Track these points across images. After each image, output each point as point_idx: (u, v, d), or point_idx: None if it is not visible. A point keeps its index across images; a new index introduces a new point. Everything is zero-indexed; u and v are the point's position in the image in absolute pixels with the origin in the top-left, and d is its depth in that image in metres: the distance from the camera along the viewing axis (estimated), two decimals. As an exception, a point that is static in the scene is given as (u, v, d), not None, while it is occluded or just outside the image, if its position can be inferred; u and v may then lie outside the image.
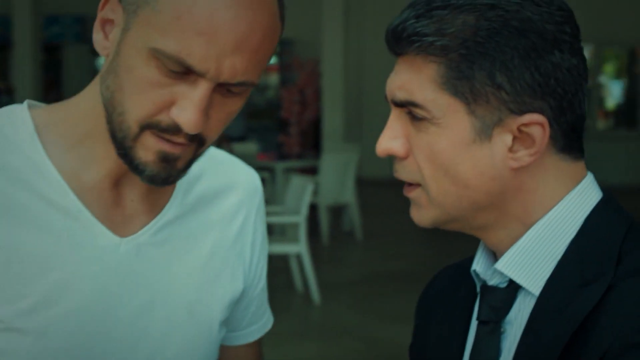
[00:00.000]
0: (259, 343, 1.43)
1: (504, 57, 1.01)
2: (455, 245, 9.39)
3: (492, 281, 1.10)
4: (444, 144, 1.04)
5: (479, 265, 1.14)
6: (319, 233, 9.55)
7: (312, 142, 12.52)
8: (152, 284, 1.20)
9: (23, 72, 11.25)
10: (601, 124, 15.29)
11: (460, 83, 1.02)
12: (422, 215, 1.12)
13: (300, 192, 7.29)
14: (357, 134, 14.78)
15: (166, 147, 1.09)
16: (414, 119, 1.06)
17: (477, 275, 1.14)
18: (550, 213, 1.07)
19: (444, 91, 1.03)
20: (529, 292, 1.07)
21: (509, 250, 1.07)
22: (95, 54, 15.31)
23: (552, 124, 1.03)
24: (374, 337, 6.42)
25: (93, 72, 15.47)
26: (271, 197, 10.08)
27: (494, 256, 1.13)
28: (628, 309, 0.97)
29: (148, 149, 1.09)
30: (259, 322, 1.40)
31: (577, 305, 1.00)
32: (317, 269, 7.78)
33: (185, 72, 1.04)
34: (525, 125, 1.03)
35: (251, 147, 11.36)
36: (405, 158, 1.09)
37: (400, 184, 1.12)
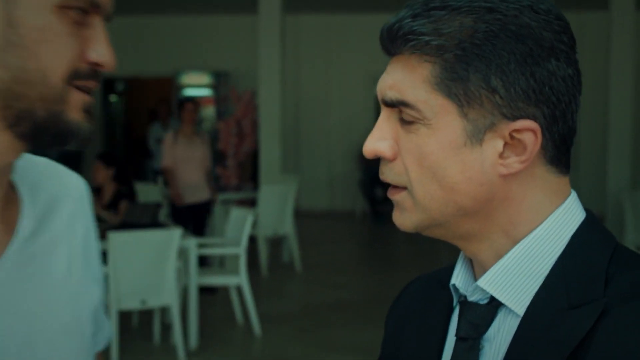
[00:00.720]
0: (106, 353, 1.38)
1: (500, 61, 1.00)
2: (395, 276, 9.47)
3: (473, 297, 1.08)
4: (434, 146, 1.03)
5: (458, 279, 1.12)
6: (258, 265, 9.52)
7: (250, 174, 12.49)
8: (25, 310, 1.14)
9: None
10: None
11: (454, 84, 1.01)
12: (405, 219, 1.09)
13: (240, 223, 7.27)
14: (294, 165, 14.81)
15: (87, 98, 1.10)
16: (404, 120, 1.05)
17: (457, 289, 1.12)
18: (537, 229, 1.04)
19: (437, 92, 1.02)
20: (510, 311, 1.05)
21: (493, 267, 1.06)
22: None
23: (544, 133, 1.02)
24: (316, 368, 6.40)
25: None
26: (210, 229, 10.02)
27: (473, 270, 1.12)
28: (625, 337, 0.95)
29: (76, 106, 1.09)
30: (105, 328, 1.34)
31: (567, 329, 0.98)
32: (257, 301, 7.75)
33: (84, 15, 1.09)
34: (518, 131, 1.01)
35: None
36: (392, 160, 1.07)
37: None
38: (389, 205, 1.12)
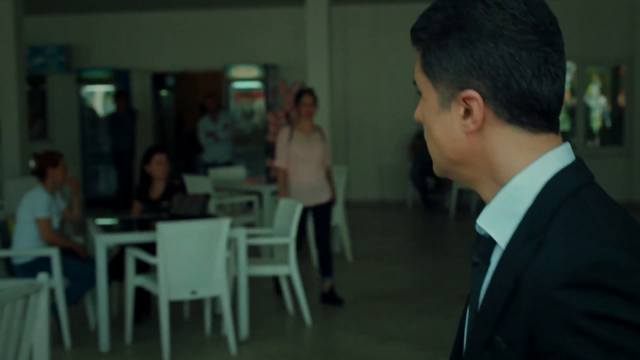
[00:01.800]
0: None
1: (447, 47, 1.31)
2: (447, 265, 9.42)
3: (482, 232, 1.36)
4: (426, 112, 1.39)
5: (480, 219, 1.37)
6: (310, 255, 9.52)
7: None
8: None
9: (9, 103, 11.20)
10: (588, 142, 15.33)
11: (427, 67, 1.35)
12: (433, 167, 1.44)
13: (289, 213, 7.27)
14: (344, 157, 14.78)
15: None
16: (419, 93, 1.41)
17: (479, 226, 1.37)
18: (515, 178, 1.30)
19: (422, 73, 1.38)
20: (498, 244, 1.31)
21: (486, 208, 1.34)
22: (80, 83, 15.29)
23: (489, 99, 1.30)
24: (367, 357, 6.38)
25: (79, 101, 15.46)
26: (259, 220, 10.05)
27: None
28: (548, 267, 1.16)
29: None
30: None
31: (517, 260, 1.23)
32: (309, 291, 7.75)
33: None
34: (468, 99, 1.30)
35: (238, 172, 11.34)
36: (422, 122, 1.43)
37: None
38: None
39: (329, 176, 7.96)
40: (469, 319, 1.39)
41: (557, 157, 1.31)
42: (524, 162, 1.30)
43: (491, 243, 1.32)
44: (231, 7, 15.17)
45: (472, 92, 1.30)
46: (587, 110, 15.52)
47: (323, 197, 7.78)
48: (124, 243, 6.75)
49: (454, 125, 1.33)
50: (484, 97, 1.29)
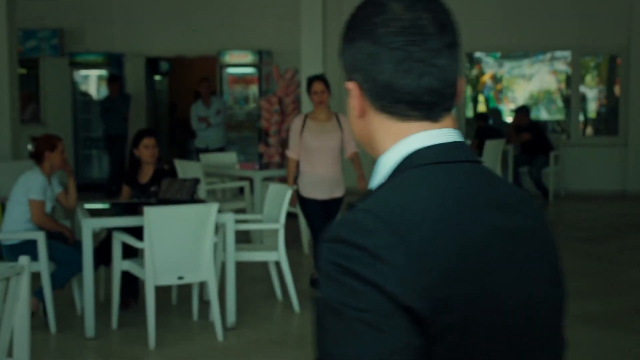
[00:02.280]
0: None
1: (344, 44, 1.52)
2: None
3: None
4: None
5: None
6: (300, 242, 9.46)
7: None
8: None
9: (0, 86, 11.13)
10: (583, 131, 15.27)
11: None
12: None
13: (279, 199, 7.21)
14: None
15: None
16: None
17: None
18: (381, 157, 1.50)
19: None
20: None
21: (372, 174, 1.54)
22: (74, 67, 15.20)
23: (364, 91, 1.49)
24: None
25: (72, 85, 15.36)
26: (250, 206, 9.99)
27: None
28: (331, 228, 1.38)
29: None
30: None
31: None
32: (298, 278, 7.70)
33: None
34: (347, 89, 1.52)
35: (230, 157, 11.27)
36: None
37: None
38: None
39: (355, 163, 7.56)
40: None
41: (416, 140, 1.46)
42: (389, 144, 1.49)
43: None
44: (226, -8, 15.05)
45: (349, 84, 1.52)
46: (584, 99, 15.47)
47: (338, 192, 7.33)
48: (111, 227, 6.69)
49: (352, 111, 1.53)
50: (361, 89, 1.49)
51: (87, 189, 14.97)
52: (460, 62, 1.56)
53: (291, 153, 7.33)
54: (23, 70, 15.65)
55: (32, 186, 6.70)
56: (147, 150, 7.31)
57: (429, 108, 1.47)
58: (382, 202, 1.38)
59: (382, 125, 1.49)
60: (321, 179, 7.23)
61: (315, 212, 7.18)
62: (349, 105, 1.55)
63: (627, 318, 6.96)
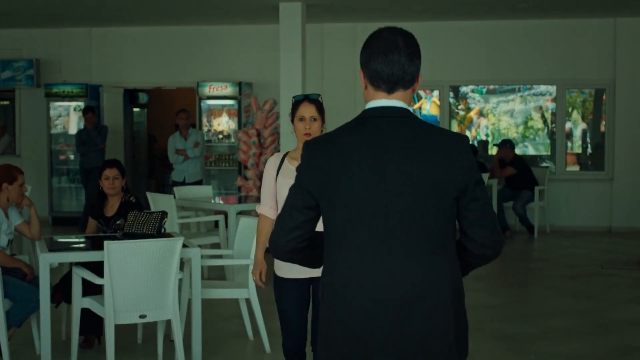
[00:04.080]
0: None
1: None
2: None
3: None
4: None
5: None
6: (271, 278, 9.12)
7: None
8: None
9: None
10: (569, 166, 15.05)
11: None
12: None
13: (250, 234, 6.89)
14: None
15: None
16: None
17: None
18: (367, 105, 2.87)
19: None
20: None
21: None
22: (50, 98, 14.90)
23: (365, 76, 2.83)
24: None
25: (48, 117, 15.05)
26: (225, 241, 9.66)
27: None
28: None
29: None
30: None
31: None
32: (269, 315, 7.35)
33: None
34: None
35: (206, 190, 10.95)
36: None
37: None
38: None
39: None
40: None
41: (375, 102, 2.83)
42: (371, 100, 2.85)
43: None
44: (205, 24, 14.83)
45: (361, 72, 2.88)
46: (570, 135, 15.27)
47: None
48: (69, 262, 6.36)
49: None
50: (364, 75, 2.86)
51: (62, 223, 14.65)
52: (418, 65, 2.85)
53: (263, 208, 4.88)
54: (-1, 101, 15.41)
55: (-16, 220, 6.37)
56: (107, 182, 7.02)
57: (393, 85, 2.81)
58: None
59: (370, 93, 2.85)
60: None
61: (290, 301, 4.75)
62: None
63: (613, 359, 6.65)
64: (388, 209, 2.66)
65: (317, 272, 3.92)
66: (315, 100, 4.83)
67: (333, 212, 2.74)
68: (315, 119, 4.80)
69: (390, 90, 2.76)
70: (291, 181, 3.87)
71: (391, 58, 2.74)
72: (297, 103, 4.82)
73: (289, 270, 4.65)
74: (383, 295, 2.66)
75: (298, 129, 4.79)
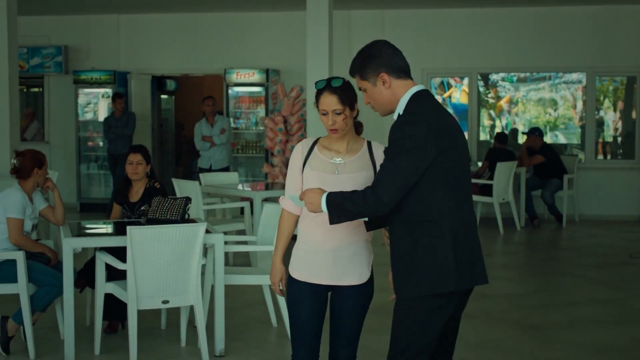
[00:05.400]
0: None
1: (367, 67, 3.84)
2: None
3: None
4: (369, 93, 3.88)
5: None
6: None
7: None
8: None
9: (0, 104, 10.86)
10: (599, 156, 14.88)
11: (365, 75, 3.87)
12: (380, 114, 3.95)
13: (274, 220, 6.86)
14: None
15: None
16: (360, 89, 4.04)
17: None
18: (402, 98, 3.75)
19: (363, 80, 3.88)
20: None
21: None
22: (78, 85, 14.97)
23: (389, 73, 3.74)
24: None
25: (76, 103, 15.12)
26: (250, 228, 9.65)
27: None
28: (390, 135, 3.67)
29: None
30: None
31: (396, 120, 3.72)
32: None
33: None
34: (382, 76, 3.78)
35: (232, 177, 10.94)
36: None
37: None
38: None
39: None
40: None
41: (415, 88, 3.74)
42: (404, 91, 3.74)
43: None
44: (232, 10, 14.81)
45: (382, 75, 3.75)
46: (602, 123, 15.11)
47: (353, 275, 4.18)
48: (93, 247, 6.37)
49: (381, 90, 3.75)
50: (389, 73, 3.73)
51: (90, 209, 14.72)
52: None
53: (286, 202, 4.24)
54: (25, 88, 15.48)
55: (10, 204, 6.39)
56: (130, 167, 7.05)
57: (410, 74, 3.78)
58: (414, 110, 3.66)
59: (399, 85, 3.73)
60: (326, 251, 4.11)
61: (305, 306, 4.16)
62: (375, 93, 3.79)
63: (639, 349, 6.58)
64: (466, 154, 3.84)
65: (337, 280, 4.10)
66: (337, 89, 4.03)
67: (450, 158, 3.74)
68: (339, 112, 4.02)
69: (410, 78, 3.78)
70: (320, 174, 4.00)
71: (400, 55, 3.76)
72: (318, 93, 4.09)
73: (305, 271, 4.12)
74: None
75: (323, 122, 4.10)
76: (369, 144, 4.18)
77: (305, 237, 4.14)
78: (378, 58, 3.70)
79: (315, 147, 4.14)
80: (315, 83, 4.11)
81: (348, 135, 4.10)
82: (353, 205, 3.60)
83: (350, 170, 4.06)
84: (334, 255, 4.09)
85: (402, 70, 3.71)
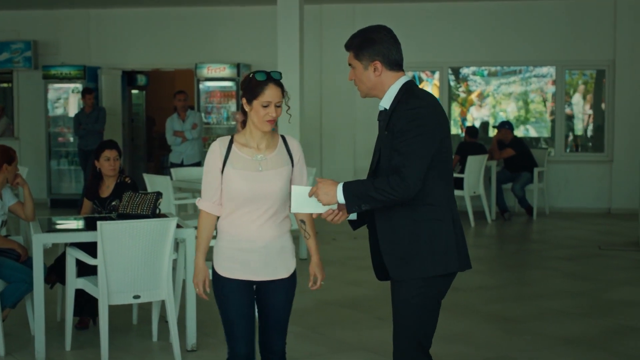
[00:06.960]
0: None
1: (365, 48, 3.89)
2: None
3: (381, 108, 3.89)
4: (357, 72, 3.91)
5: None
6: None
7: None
8: None
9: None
10: (568, 149, 15.00)
11: (359, 55, 3.90)
12: (360, 94, 4.02)
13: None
14: (317, 158, 14.40)
15: None
16: (350, 65, 4.03)
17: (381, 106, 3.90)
18: (390, 87, 3.85)
19: (355, 58, 3.92)
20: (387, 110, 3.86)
21: (383, 99, 3.87)
22: (48, 80, 14.86)
23: (383, 63, 3.83)
24: (321, 368, 5.99)
25: (46, 99, 15.01)
26: (221, 223, 9.63)
27: None
28: (403, 106, 3.73)
29: None
30: None
31: (384, 119, 3.85)
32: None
33: None
34: (374, 64, 3.87)
35: (199, 172, 10.89)
36: None
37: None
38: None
39: (308, 222, 4.29)
40: (377, 139, 3.90)
41: (404, 79, 3.86)
42: (393, 82, 3.84)
43: (386, 112, 3.82)
44: (203, 4, 14.78)
45: (375, 63, 3.82)
46: (572, 116, 15.22)
47: (281, 270, 4.25)
48: (63, 243, 6.34)
49: (370, 75, 3.83)
50: (382, 63, 3.81)
51: (61, 205, 14.64)
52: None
53: (204, 203, 4.24)
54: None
55: (-22, 200, 6.35)
56: (107, 163, 7.00)
57: (402, 66, 3.87)
58: (421, 94, 3.81)
59: (389, 75, 3.82)
60: (257, 248, 4.14)
61: (236, 303, 4.18)
62: (363, 75, 3.84)
63: (609, 340, 6.64)
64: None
65: (268, 275, 4.17)
66: (280, 82, 4.11)
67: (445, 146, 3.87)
68: (279, 105, 4.07)
69: (401, 69, 3.88)
70: (242, 172, 4.03)
71: (398, 47, 3.85)
72: (259, 84, 4.04)
73: (234, 268, 4.13)
74: None
75: (258, 114, 4.03)
76: (283, 138, 4.26)
77: (232, 235, 4.13)
78: (377, 45, 3.77)
79: (233, 146, 4.12)
80: (255, 74, 4.07)
81: (268, 128, 4.11)
82: (379, 192, 3.59)
83: (273, 165, 4.13)
84: (266, 251, 4.14)
85: (397, 64, 3.81)
